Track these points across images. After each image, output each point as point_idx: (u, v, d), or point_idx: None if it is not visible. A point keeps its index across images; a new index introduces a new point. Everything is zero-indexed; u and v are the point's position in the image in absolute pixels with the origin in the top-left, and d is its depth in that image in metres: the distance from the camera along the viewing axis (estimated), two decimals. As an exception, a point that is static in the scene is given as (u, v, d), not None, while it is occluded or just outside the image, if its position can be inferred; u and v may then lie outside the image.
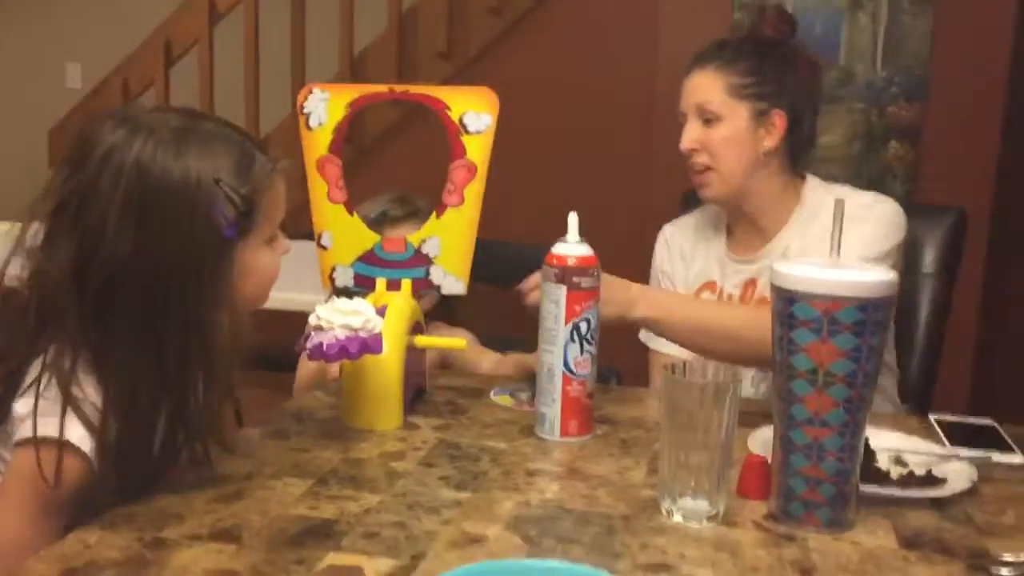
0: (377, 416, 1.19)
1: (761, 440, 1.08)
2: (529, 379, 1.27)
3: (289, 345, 1.16)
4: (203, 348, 0.96)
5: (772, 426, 0.96)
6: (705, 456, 0.92)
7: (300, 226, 1.30)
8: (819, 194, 1.54)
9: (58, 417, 0.91)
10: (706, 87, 1.51)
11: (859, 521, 0.94)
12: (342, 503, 0.95)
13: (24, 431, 0.92)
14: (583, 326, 1.15)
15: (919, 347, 1.77)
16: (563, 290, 1.14)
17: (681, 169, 1.58)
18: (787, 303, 0.91)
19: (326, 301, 1.13)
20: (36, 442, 0.92)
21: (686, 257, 1.67)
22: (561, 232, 1.17)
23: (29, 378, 0.94)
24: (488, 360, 1.62)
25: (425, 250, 1.30)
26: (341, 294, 1.20)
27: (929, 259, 1.79)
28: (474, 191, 1.28)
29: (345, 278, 1.31)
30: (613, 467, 1.09)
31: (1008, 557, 0.86)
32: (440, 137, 1.31)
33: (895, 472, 1.06)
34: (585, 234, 1.17)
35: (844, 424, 0.91)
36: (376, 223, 1.32)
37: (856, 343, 0.89)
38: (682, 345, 1.42)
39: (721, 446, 0.92)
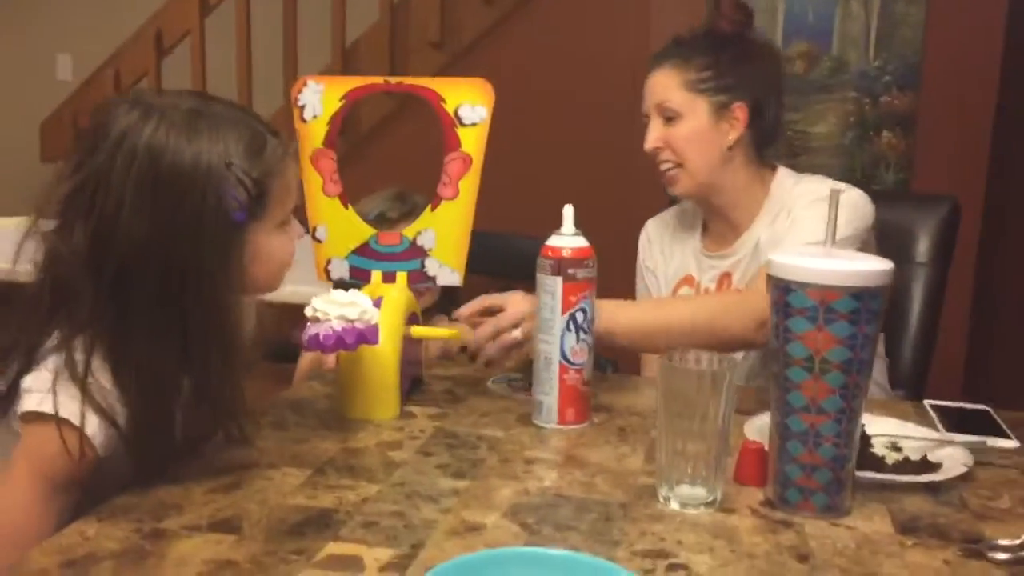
0: (374, 406, 1.19)
1: (758, 427, 1.08)
2: (526, 368, 1.28)
3: (286, 336, 1.16)
4: (218, 330, 0.96)
5: (769, 413, 0.97)
6: (702, 443, 0.93)
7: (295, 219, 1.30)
8: (788, 185, 1.54)
9: (64, 396, 0.92)
10: (664, 85, 1.51)
11: (855, 507, 0.95)
12: (341, 493, 0.96)
13: (27, 404, 0.94)
14: (579, 316, 1.15)
15: (913, 335, 1.78)
16: (559, 281, 1.14)
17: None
18: (783, 292, 0.92)
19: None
20: (33, 416, 0.93)
21: (665, 252, 1.67)
22: (556, 224, 1.17)
23: (39, 356, 0.95)
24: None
25: (420, 242, 1.30)
26: (337, 286, 1.20)
27: (923, 248, 1.79)
28: (469, 183, 1.28)
29: (341, 271, 1.32)
30: (610, 454, 1.09)
31: (1003, 541, 0.87)
32: (434, 129, 1.31)
33: (891, 458, 1.07)
34: (580, 225, 1.17)
35: (840, 411, 0.91)
36: (375, 225, 1.32)
37: (852, 331, 0.90)
38: (641, 350, 1.42)
39: (718, 433, 0.93)
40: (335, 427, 1.16)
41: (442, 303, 1.67)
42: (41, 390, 0.93)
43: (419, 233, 1.30)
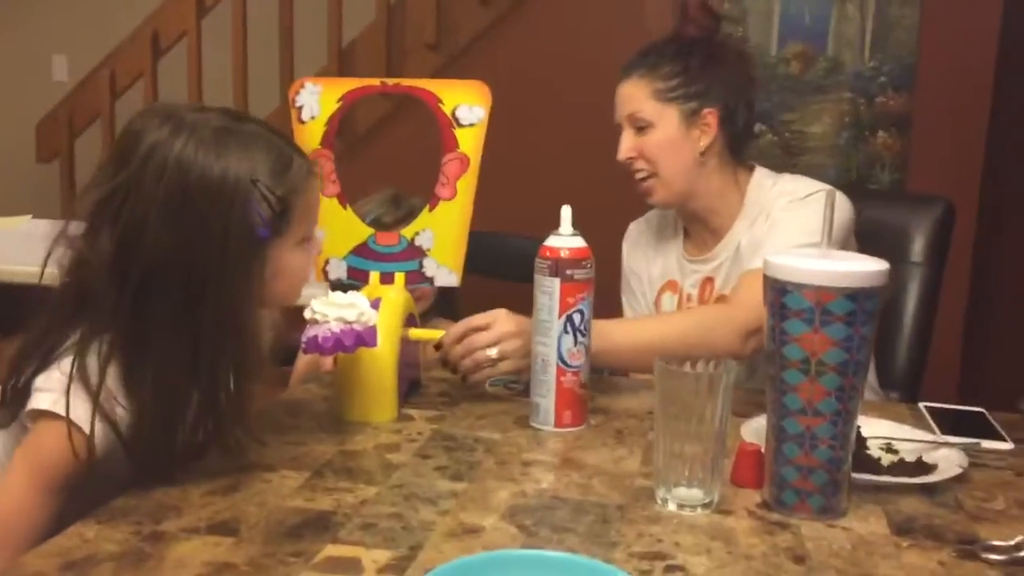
0: (372, 409, 1.19)
1: (754, 429, 1.09)
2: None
3: (283, 339, 1.17)
4: (236, 343, 0.98)
5: (765, 415, 0.97)
6: (699, 445, 0.93)
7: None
8: (766, 186, 1.53)
9: (74, 398, 0.94)
10: (634, 96, 1.51)
11: (851, 508, 0.95)
12: (339, 495, 0.96)
13: (35, 403, 0.96)
14: (576, 318, 1.16)
15: (908, 336, 1.78)
16: (556, 282, 1.15)
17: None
18: (779, 294, 0.92)
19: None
20: (42, 415, 0.95)
21: (648, 256, 1.67)
22: (554, 224, 1.17)
23: (54, 357, 0.97)
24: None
25: (418, 243, 1.30)
26: (335, 287, 1.20)
27: (917, 248, 1.80)
28: (467, 184, 1.29)
29: (339, 271, 1.32)
30: (608, 457, 1.10)
31: (997, 542, 0.87)
32: (431, 129, 1.31)
33: (886, 460, 1.07)
34: (578, 226, 1.17)
35: (836, 413, 0.92)
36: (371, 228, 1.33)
37: (848, 332, 0.90)
38: (632, 370, 1.39)
39: (715, 435, 0.93)
40: (333, 429, 1.16)
41: (439, 304, 1.67)
42: (50, 390, 0.95)
43: (417, 233, 1.30)
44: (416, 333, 1.27)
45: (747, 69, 1.57)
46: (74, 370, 0.94)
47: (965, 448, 1.09)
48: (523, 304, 1.23)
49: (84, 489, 0.95)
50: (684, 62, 1.50)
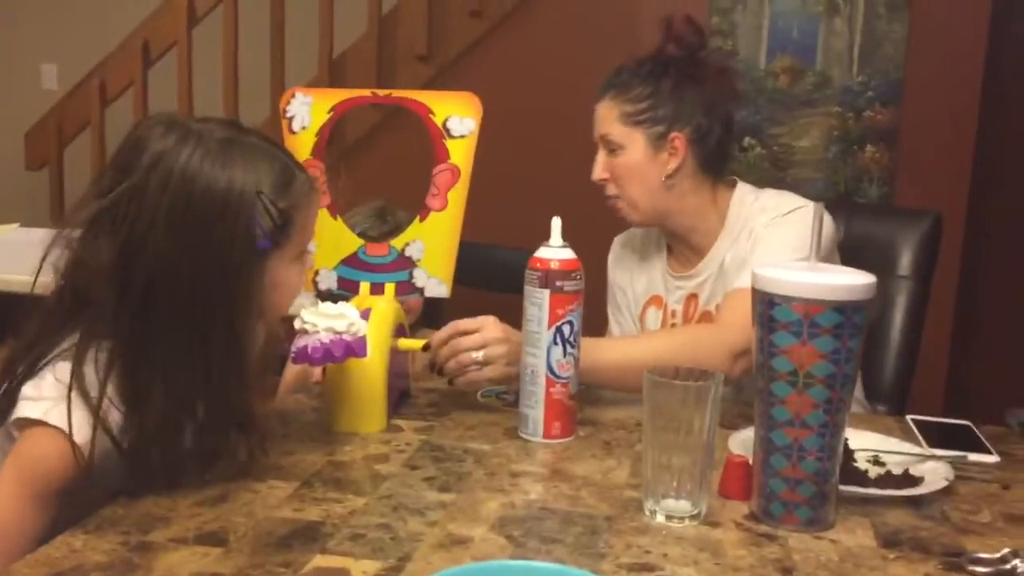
0: (361, 419, 1.19)
1: (742, 441, 1.09)
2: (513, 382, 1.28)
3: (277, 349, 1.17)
4: (235, 352, 0.98)
5: (753, 427, 0.98)
6: (687, 457, 0.94)
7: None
8: (748, 202, 1.52)
9: (64, 404, 0.93)
10: (605, 117, 1.52)
11: (839, 520, 0.96)
12: (327, 505, 0.96)
13: (23, 411, 0.95)
14: (566, 329, 1.16)
15: (895, 348, 1.79)
16: (546, 294, 1.15)
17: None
18: (767, 306, 0.93)
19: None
20: (34, 423, 0.94)
21: (633, 271, 1.67)
22: (544, 236, 1.18)
23: (43, 364, 0.96)
24: None
25: (408, 253, 1.30)
26: (325, 298, 1.20)
27: (905, 262, 1.81)
28: (458, 195, 1.29)
29: (328, 281, 1.32)
30: (596, 468, 1.10)
31: (983, 555, 0.88)
32: (422, 140, 1.31)
33: (873, 472, 1.08)
34: (568, 237, 1.18)
35: (824, 425, 0.92)
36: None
37: (835, 345, 0.90)
38: (619, 389, 1.37)
39: (703, 447, 0.94)
40: (322, 440, 1.16)
41: (427, 316, 1.67)
42: (41, 398, 0.94)
43: (407, 244, 1.31)
44: (405, 343, 1.27)
45: (729, 85, 1.54)
46: (71, 378, 0.93)
47: (952, 461, 1.10)
48: (513, 315, 1.23)
49: (77, 497, 0.95)
50: (655, 84, 1.48)
